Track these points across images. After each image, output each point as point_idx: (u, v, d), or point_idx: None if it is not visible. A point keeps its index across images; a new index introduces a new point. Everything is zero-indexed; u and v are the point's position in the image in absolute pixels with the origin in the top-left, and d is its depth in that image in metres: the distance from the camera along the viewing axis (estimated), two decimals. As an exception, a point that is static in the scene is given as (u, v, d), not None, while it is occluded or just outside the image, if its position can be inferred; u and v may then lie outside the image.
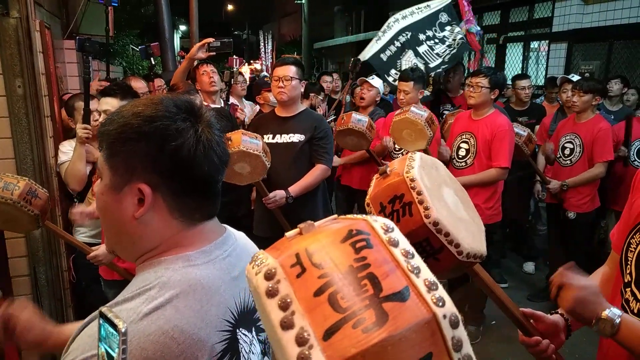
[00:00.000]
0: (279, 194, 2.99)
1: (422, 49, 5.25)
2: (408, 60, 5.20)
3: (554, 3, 7.48)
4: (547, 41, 7.86)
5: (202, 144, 0.89)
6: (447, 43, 5.30)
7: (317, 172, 3.13)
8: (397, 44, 5.19)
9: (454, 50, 5.28)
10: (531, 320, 1.31)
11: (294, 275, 0.52)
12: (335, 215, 0.61)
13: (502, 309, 1.28)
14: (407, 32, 5.22)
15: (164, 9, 7.49)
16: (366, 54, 5.12)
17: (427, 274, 0.52)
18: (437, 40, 5.30)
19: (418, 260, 0.53)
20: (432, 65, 5.22)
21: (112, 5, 4.32)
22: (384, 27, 5.26)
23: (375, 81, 4.57)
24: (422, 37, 5.25)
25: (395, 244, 0.54)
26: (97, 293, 2.85)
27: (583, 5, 7.01)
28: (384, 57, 5.15)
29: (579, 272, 1.23)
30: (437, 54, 5.26)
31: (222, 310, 0.91)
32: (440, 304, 0.49)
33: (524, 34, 8.67)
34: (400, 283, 0.50)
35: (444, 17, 5.34)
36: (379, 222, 0.57)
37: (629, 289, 1.28)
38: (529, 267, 4.94)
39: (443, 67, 5.17)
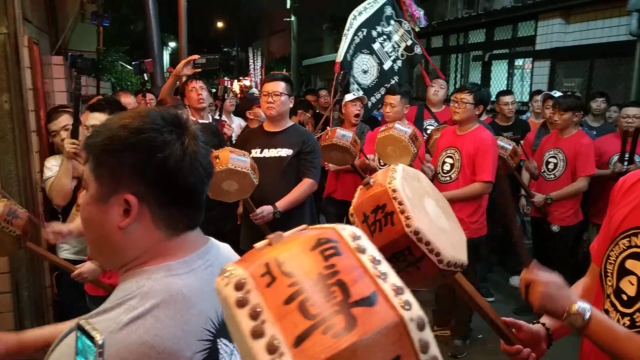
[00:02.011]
0: (267, 209, 2.99)
1: (376, 46, 5.12)
2: (359, 63, 5.07)
3: (537, 22, 7.64)
4: (531, 59, 8.00)
5: (188, 156, 0.91)
6: (393, 40, 5.18)
7: (305, 186, 3.14)
8: (354, 44, 5.04)
9: (405, 58, 5.17)
10: (513, 329, 1.33)
11: (264, 285, 0.52)
12: (305, 225, 0.62)
13: (484, 318, 1.30)
14: (363, 29, 5.06)
15: (153, 26, 7.53)
16: (340, 56, 5.00)
17: (394, 279, 0.53)
18: (385, 37, 5.18)
19: (385, 266, 0.54)
20: (385, 66, 5.09)
21: (104, 25, 4.34)
22: (347, 24, 5.07)
23: (350, 96, 4.56)
24: (374, 33, 5.11)
25: (363, 250, 0.55)
26: (82, 310, 2.81)
27: (565, 24, 7.16)
28: (348, 57, 5.03)
29: (544, 268, 1.26)
30: (387, 53, 5.15)
31: (202, 319, 0.92)
32: (407, 307, 0.50)
33: (508, 51, 8.83)
34: (368, 288, 0.51)
35: (388, 10, 5.23)
36: (347, 231, 0.58)
37: (609, 299, 1.31)
38: (515, 280, 4.95)
39: (394, 78, 5.07)
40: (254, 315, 0.50)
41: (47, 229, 2.34)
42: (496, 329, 1.30)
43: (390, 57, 5.18)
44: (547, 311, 1.22)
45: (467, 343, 3.82)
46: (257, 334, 0.49)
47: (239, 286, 0.53)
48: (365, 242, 0.56)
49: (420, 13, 5.41)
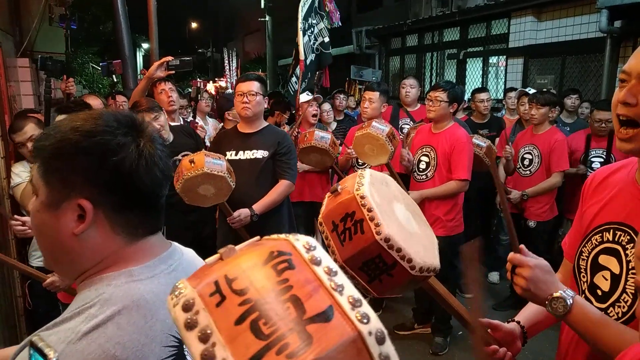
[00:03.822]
0: (244, 212, 2.95)
1: (305, 39, 5.07)
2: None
3: (510, 20, 7.73)
4: (504, 56, 8.10)
5: (144, 159, 0.88)
6: (314, 33, 5.13)
7: (282, 188, 3.11)
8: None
9: (319, 53, 5.12)
10: (488, 330, 1.33)
11: (214, 305, 0.50)
12: (258, 237, 0.59)
13: (458, 319, 1.29)
14: (303, 22, 5.03)
15: (123, 27, 7.35)
16: (302, 53, 4.94)
17: (351, 290, 0.51)
18: (311, 30, 5.15)
19: (342, 278, 0.52)
20: (307, 61, 5.03)
21: (72, 28, 4.25)
22: (299, 15, 5.02)
23: (304, 97, 4.54)
24: (306, 25, 5.09)
25: (318, 262, 0.53)
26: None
27: (537, 22, 7.27)
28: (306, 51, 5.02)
29: (532, 254, 1.25)
30: (311, 46, 5.12)
31: (167, 325, 0.88)
32: (365, 320, 0.48)
33: (482, 49, 8.92)
34: (324, 302, 0.49)
35: (316, 2, 5.20)
36: (301, 241, 0.55)
37: (584, 295, 1.31)
38: (494, 276, 5.01)
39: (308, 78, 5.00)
40: (204, 338, 0.48)
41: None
42: (471, 330, 1.29)
43: (311, 50, 5.14)
44: (530, 295, 1.21)
45: (447, 340, 3.83)
46: (208, 357, 0.47)
47: (187, 307, 0.51)
48: (320, 252, 0.54)
49: (336, 12, 5.41)
